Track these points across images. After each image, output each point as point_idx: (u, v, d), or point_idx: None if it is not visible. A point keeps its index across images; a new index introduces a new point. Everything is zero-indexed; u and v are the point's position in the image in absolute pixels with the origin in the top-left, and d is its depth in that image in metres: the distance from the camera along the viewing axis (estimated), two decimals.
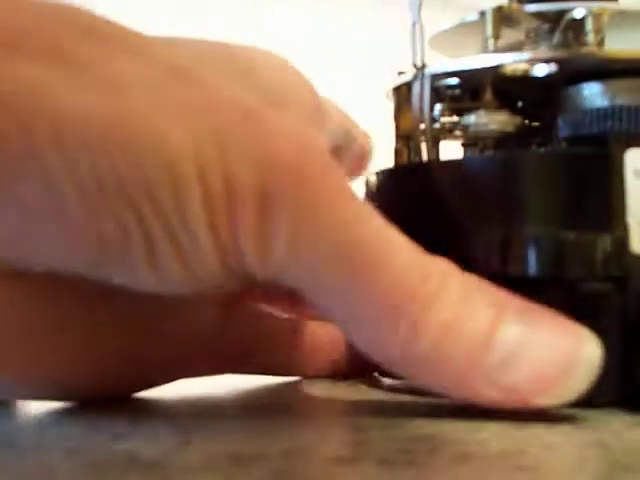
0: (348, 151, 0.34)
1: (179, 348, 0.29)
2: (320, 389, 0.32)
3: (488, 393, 0.24)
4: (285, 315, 0.33)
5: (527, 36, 0.29)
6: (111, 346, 0.27)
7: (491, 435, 0.23)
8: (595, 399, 0.25)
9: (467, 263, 0.25)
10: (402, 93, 0.30)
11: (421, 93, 0.28)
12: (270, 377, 0.34)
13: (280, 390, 0.32)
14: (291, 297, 0.28)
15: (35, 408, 0.28)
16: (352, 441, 0.22)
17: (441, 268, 0.24)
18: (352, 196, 0.24)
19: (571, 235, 0.26)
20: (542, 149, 0.28)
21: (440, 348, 0.24)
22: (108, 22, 0.24)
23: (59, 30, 0.23)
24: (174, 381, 0.30)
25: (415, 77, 0.28)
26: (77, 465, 0.20)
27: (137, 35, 0.24)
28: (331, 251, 0.23)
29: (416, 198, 0.25)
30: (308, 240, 0.23)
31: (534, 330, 0.24)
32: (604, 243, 0.26)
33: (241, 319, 0.31)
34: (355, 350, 0.31)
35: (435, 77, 0.28)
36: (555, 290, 0.26)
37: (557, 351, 0.24)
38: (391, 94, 0.31)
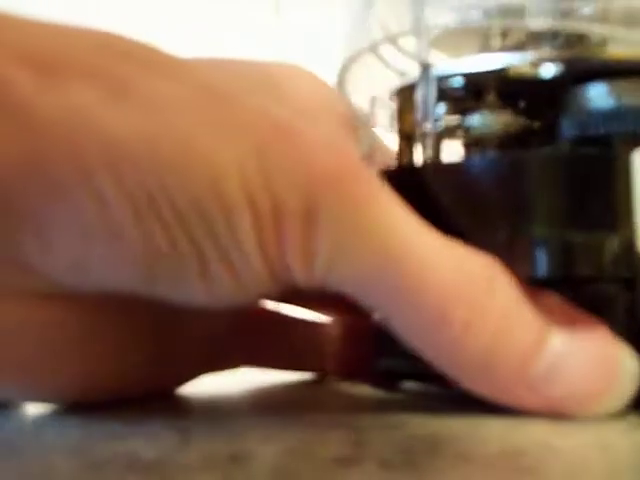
0: (375, 157, 0.34)
1: (201, 348, 0.30)
2: (320, 389, 0.32)
3: (531, 401, 0.24)
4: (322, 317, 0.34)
5: (528, 37, 0.29)
6: (143, 352, 0.28)
7: (491, 435, 0.23)
8: None
9: None
10: (405, 93, 0.30)
11: (426, 93, 0.28)
12: (270, 377, 0.34)
13: (279, 390, 0.32)
14: (332, 300, 0.29)
15: (34, 408, 0.28)
16: (352, 441, 0.22)
17: (487, 268, 0.25)
18: (391, 201, 0.24)
19: (579, 236, 0.26)
20: (547, 150, 0.28)
21: (491, 353, 0.24)
22: (141, 45, 0.24)
23: (97, 54, 0.23)
24: (197, 377, 0.31)
25: (420, 77, 0.28)
26: (76, 465, 0.20)
27: (168, 56, 0.25)
28: (375, 257, 0.24)
29: (420, 199, 0.25)
30: (351, 248, 0.23)
31: (577, 340, 0.25)
32: (612, 244, 0.26)
33: (258, 316, 0.32)
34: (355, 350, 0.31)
35: (440, 77, 0.28)
36: (563, 291, 0.26)
37: (600, 364, 0.25)
38: (394, 94, 0.30)
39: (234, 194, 0.22)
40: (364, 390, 0.31)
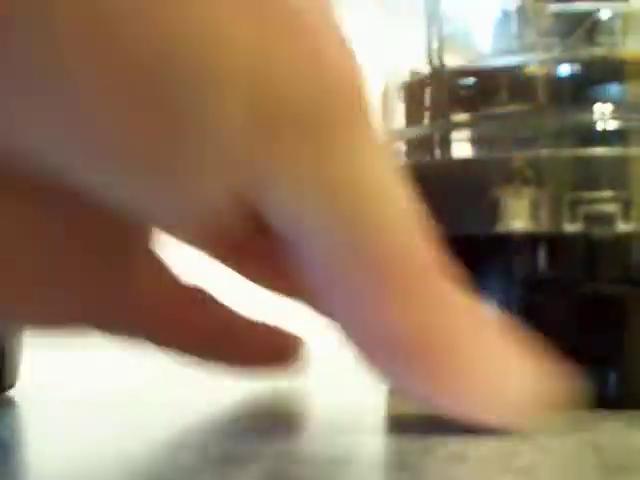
0: None
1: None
2: (313, 390, 0.32)
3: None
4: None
5: (540, 36, 0.28)
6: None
7: (485, 436, 0.22)
8: None
9: None
10: (414, 91, 0.29)
11: (437, 92, 0.28)
12: (264, 381, 0.33)
13: (274, 392, 0.32)
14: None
15: (26, 407, 0.28)
16: (345, 442, 0.22)
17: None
18: (381, 152, 0.22)
19: None
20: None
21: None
22: None
23: None
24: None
25: (432, 75, 0.28)
26: (68, 467, 0.20)
27: None
28: (335, 189, 0.21)
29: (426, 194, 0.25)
30: (324, 176, 0.21)
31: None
32: None
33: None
34: None
35: (452, 76, 0.28)
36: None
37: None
38: (401, 91, 0.30)
39: (232, 71, 0.20)
40: (355, 393, 0.31)
